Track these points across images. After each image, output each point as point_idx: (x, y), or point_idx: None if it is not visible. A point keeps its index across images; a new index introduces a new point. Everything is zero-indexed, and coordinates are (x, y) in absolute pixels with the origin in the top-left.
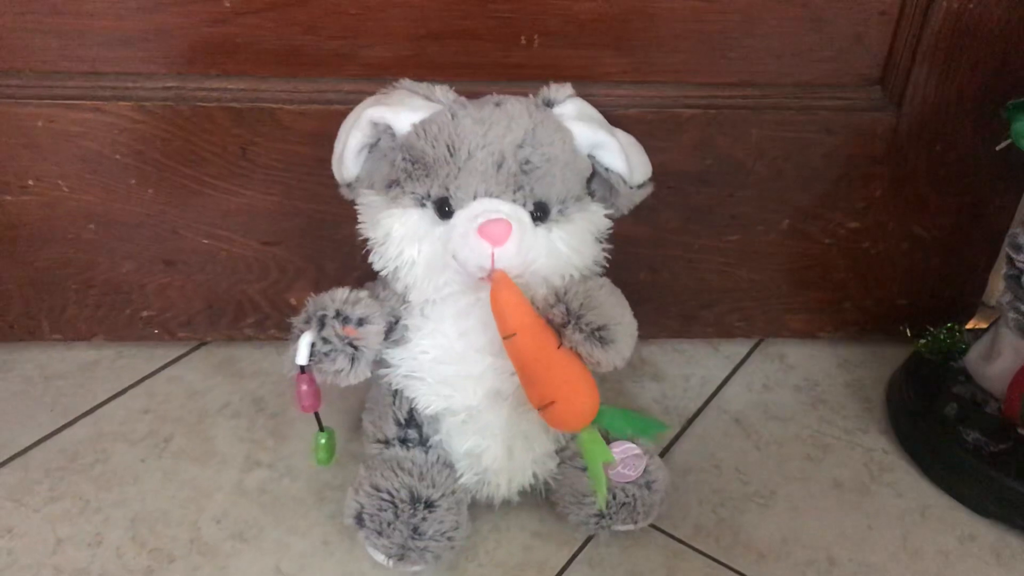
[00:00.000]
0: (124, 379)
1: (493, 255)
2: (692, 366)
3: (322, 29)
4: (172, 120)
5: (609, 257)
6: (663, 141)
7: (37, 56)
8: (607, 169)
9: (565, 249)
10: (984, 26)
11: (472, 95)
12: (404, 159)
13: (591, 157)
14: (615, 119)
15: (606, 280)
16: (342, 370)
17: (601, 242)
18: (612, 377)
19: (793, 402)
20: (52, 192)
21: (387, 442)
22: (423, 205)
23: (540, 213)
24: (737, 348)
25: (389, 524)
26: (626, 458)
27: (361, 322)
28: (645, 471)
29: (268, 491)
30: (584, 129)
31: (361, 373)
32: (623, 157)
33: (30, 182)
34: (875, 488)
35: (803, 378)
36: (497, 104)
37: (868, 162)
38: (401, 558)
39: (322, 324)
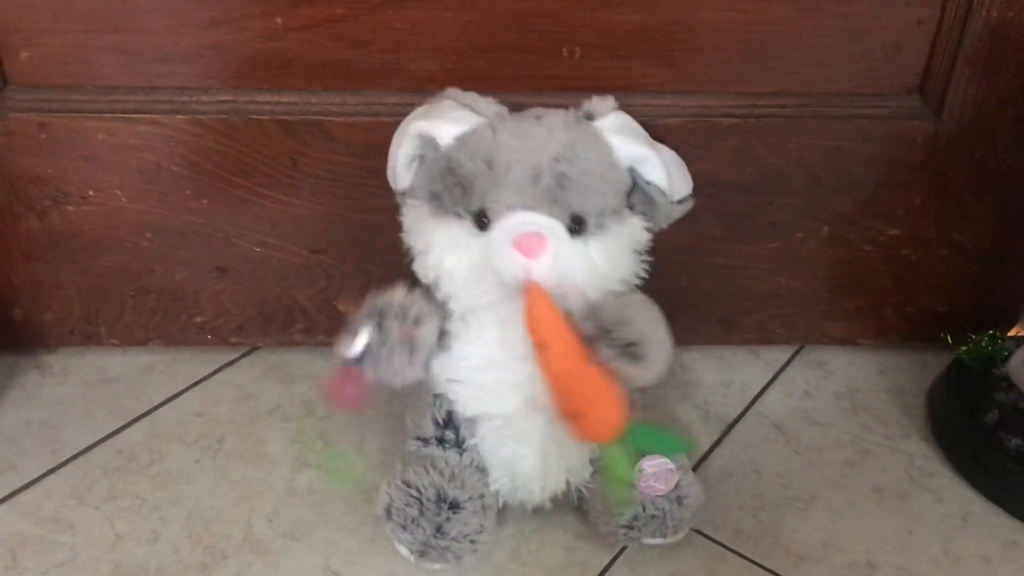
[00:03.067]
0: (178, 383)
1: (528, 267)
2: (732, 372)
3: (370, 44)
4: (226, 132)
5: (649, 270)
6: (703, 150)
7: (98, 72)
8: (648, 183)
9: (601, 262)
10: (1023, 34)
11: (516, 107)
12: (446, 171)
13: (631, 171)
14: (656, 129)
15: (642, 296)
16: (399, 368)
17: (640, 255)
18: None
19: (833, 408)
20: (111, 202)
21: (425, 440)
22: (463, 217)
23: (577, 226)
24: (777, 355)
25: (414, 520)
26: (658, 471)
27: (418, 321)
28: (677, 486)
29: (317, 491)
30: (625, 142)
31: (415, 373)
32: (664, 171)
33: (90, 193)
34: (916, 494)
35: (843, 384)
36: (538, 118)
37: (908, 169)
38: (422, 554)
39: (381, 321)
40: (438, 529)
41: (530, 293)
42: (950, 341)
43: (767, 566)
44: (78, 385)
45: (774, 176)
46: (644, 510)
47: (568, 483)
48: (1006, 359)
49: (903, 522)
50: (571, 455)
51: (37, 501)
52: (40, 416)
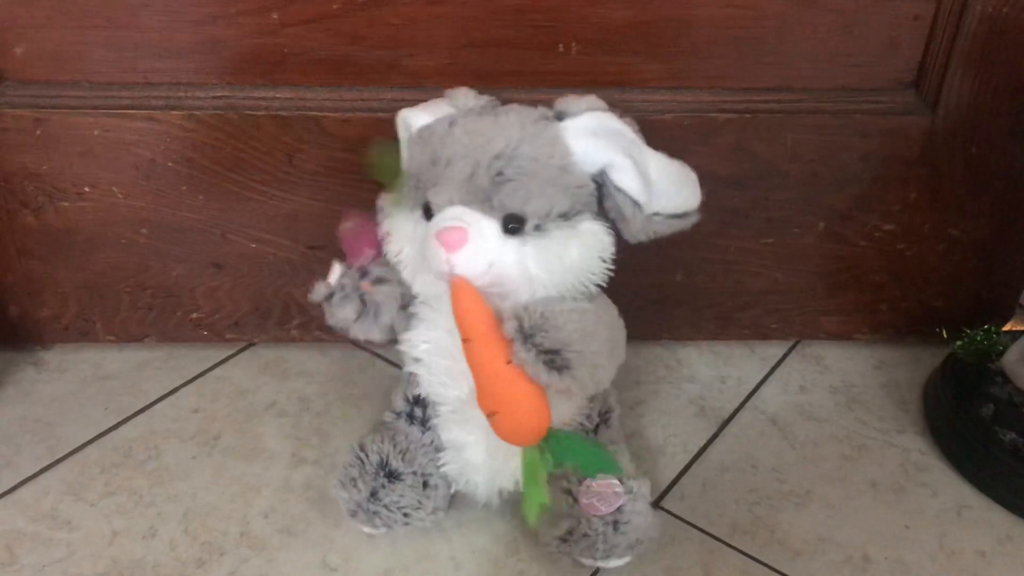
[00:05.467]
0: (175, 379)
1: (450, 261)
2: (729, 367)
3: (366, 39)
4: (222, 128)
5: (611, 276)
6: (699, 145)
7: (93, 68)
8: (617, 190)
9: (533, 266)
10: (1018, 29)
11: (512, 102)
12: (407, 161)
13: (603, 175)
14: (651, 125)
15: (587, 305)
16: (345, 316)
17: (603, 261)
18: (648, 379)
19: (829, 403)
20: (107, 198)
21: (397, 414)
22: (415, 208)
23: (514, 226)
24: (773, 350)
25: (352, 480)
26: (602, 491)
27: (379, 280)
28: (619, 510)
29: (314, 487)
30: (590, 146)
31: (366, 328)
32: (638, 180)
33: (86, 189)
34: (911, 488)
35: (839, 380)
36: (496, 114)
37: (903, 165)
38: (353, 514)
39: (345, 272)
40: (372, 494)
41: (453, 287)
42: (945, 336)
43: (763, 560)
44: (74, 382)
45: (770, 172)
46: (578, 525)
47: (517, 481)
48: (1001, 354)
49: (898, 516)
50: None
51: (34, 497)
52: (36, 413)
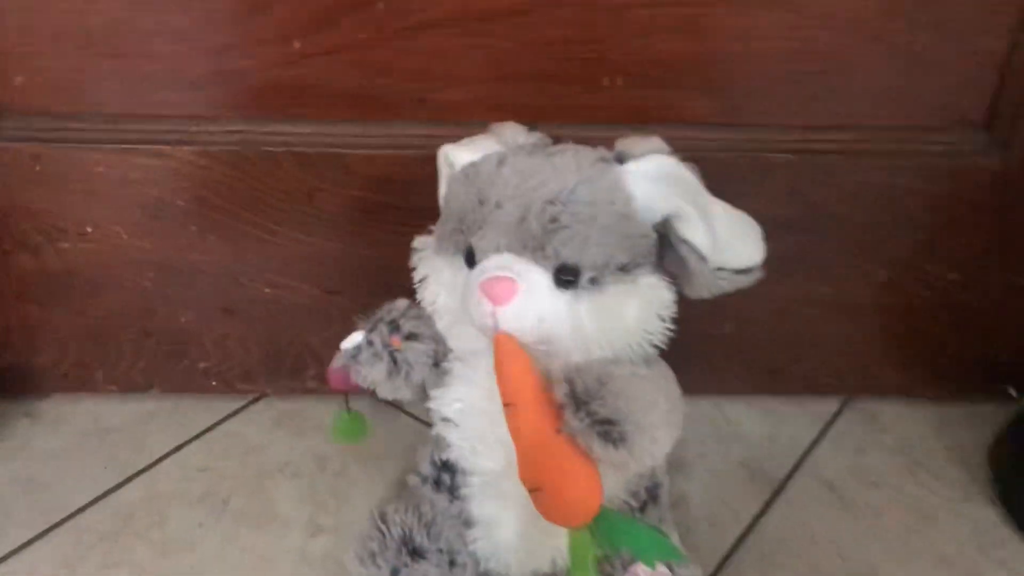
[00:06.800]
0: (181, 434)
1: (494, 315)
2: (778, 425)
3: (393, 71)
4: (237, 165)
5: (671, 336)
6: (751, 186)
7: (99, 99)
8: (682, 241)
9: (589, 324)
10: None
11: (563, 140)
12: (449, 200)
13: (666, 225)
14: (701, 164)
15: (646, 371)
16: (376, 376)
17: (662, 320)
18: (694, 437)
19: (889, 467)
20: (110, 239)
21: (423, 478)
22: (456, 252)
23: (568, 279)
24: (825, 406)
25: (372, 555)
26: None
27: (410, 337)
28: None
29: (332, 558)
30: (655, 192)
31: (396, 388)
32: (703, 230)
33: (88, 229)
34: (987, 566)
35: (898, 440)
36: (551, 154)
37: (971, 210)
38: None
39: (375, 325)
40: (394, 573)
41: (497, 344)
42: (1014, 394)
43: None
44: (72, 435)
45: (827, 216)
46: None
47: (554, 562)
48: None
49: None
50: (559, 532)
51: (25, 570)
52: (30, 471)
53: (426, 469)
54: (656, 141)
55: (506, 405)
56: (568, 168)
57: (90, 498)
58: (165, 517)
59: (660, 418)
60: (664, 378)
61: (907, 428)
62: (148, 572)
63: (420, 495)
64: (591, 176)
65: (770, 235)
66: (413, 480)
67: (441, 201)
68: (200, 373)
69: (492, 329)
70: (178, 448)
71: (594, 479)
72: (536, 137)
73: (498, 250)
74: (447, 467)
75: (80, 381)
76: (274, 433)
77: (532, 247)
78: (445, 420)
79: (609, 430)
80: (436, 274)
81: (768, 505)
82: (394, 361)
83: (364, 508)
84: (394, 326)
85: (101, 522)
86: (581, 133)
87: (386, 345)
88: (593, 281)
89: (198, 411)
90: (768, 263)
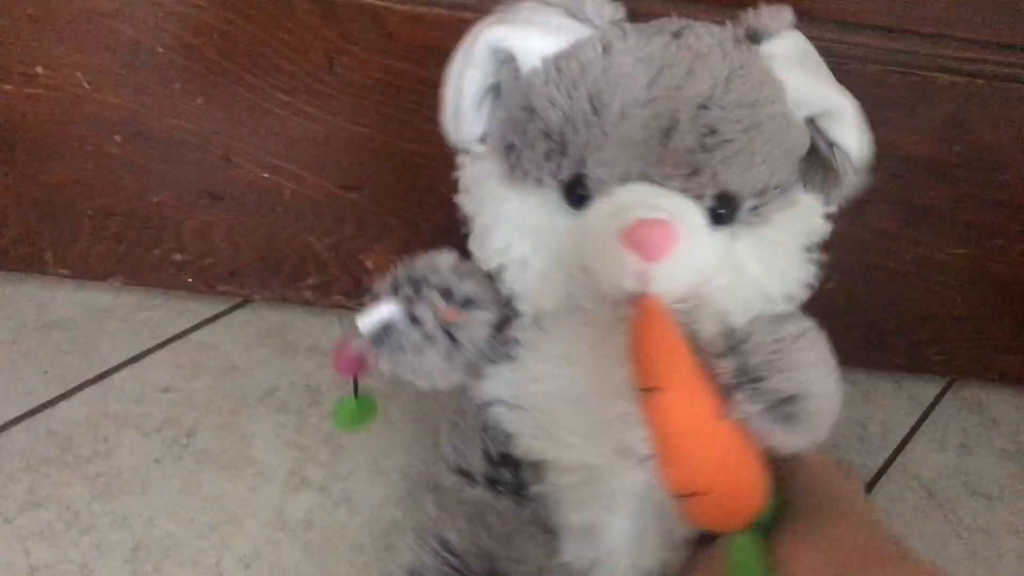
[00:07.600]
0: (144, 339)
1: (646, 274)
2: (870, 407)
3: None
4: (239, 9)
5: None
6: (902, 113)
7: None
8: (832, 145)
9: (755, 266)
10: None
11: (641, 16)
12: (526, 112)
13: (810, 125)
14: (842, 76)
15: (810, 325)
16: (430, 365)
17: (813, 256)
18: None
19: (1001, 472)
20: (68, 87)
21: (469, 477)
22: (548, 185)
23: (725, 211)
24: (925, 388)
25: None
26: None
27: (468, 304)
28: None
29: (316, 525)
30: (806, 82)
31: (451, 377)
32: (857, 130)
33: (38, 69)
34: None
35: (1011, 439)
36: (675, 34)
37: None
38: None
39: (415, 294)
40: None
41: (644, 313)
42: None
43: None
44: (9, 328)
45: (990, 161)
46: None
47: (664, 563)
48: None
49: None
50: (673, 531)
51: None
52: None
53: (476, 466)
54: (788, 13)
55: (647, 390)
56: (711, 54)
57: (21, 411)
58: (112, 446)
59: (835, 382)
60: (819, 331)
61: (1022, 424)
62: (82, 517)
63: (474, 501)
64: (741, 63)
65: (910, 179)
66: (453, 480)
67: (460, 113)
68: (173, 266)
69: (637, 293)
70: (137, 358)
71: (764, 470)
72: (622, 9)
73: (627, 178)
74: (507, 461)
75: (23, 260)
76: (258, 351)
77: (685, 171)
78: (511, 406)
79: (792, 410)
80: (512, 215)
81: None
82: (452, 340)
83: (364, 465)
84: (447, 293)
85: (31, 445)
86: (682, 10)
87: (440, 322)
88: (755, 211)
89: (167, 312)
90: (900, 212)
